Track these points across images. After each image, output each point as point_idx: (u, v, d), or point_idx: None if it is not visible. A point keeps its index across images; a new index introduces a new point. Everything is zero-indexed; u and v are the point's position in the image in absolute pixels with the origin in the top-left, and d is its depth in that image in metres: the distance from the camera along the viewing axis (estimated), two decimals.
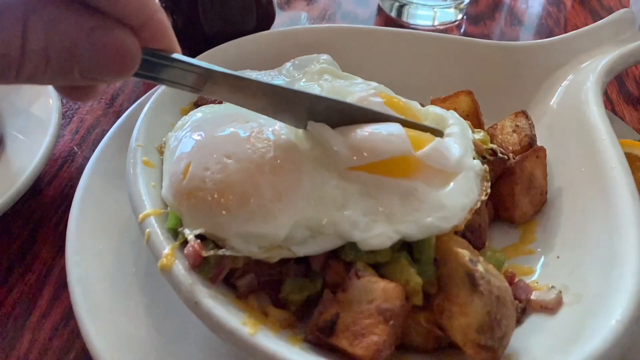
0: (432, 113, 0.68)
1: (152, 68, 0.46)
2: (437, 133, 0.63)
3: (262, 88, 0.53)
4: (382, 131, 0.56)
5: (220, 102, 0.74)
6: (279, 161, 0.55)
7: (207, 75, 0.49)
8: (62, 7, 0.40)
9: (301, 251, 0.53)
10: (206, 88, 0.49)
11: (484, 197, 0.60)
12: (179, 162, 0.57)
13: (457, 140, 0.62)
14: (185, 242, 0.53)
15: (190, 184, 0.55)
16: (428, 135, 0.61)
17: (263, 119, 0.63)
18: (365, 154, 0.55)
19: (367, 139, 0.56)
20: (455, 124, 0.65)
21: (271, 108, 0.55)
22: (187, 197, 0.54)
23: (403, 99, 0.70)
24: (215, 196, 0.53)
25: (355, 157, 0.55)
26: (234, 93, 0.52)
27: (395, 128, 0.57)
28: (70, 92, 0.48)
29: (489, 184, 0.62)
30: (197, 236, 0.53)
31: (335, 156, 0.55)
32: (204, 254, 0.52)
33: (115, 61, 0.42)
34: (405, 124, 0.59)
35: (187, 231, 0.53)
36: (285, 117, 0.56)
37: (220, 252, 0.52)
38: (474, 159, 0.63)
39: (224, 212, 0.52)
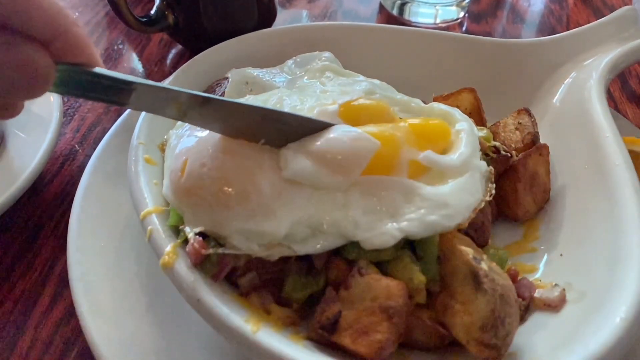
0: (437, 110, 0.67)
1: (71, 83, 0.45)
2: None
3: (186, 98, 0.51)
4: (340, 142, 0.55)
5: None
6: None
7: (130, 89, 0.47)
8: None
9: (302, 249, 0.53)
10: (131, 101, 0.48)
11: (488, 198, 0.60)
12: (178, 159, 0.57)
13: (467, 137, 0.61)
14: (187, 240, 0.53)
15: (188, 182, 0.54)
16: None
17: None
18: (351, 169, 0.54)
19: (339, 155, 0.54)
20: (463, 120, 0.64)
21: (200, 118, 0.53)
22: (187, 194, 0.54)
23: (406, 97, 0.70)
24: (215, 194, 0.52)
25: (344, 178, 0.54)
26: (159, 105, 0.50)
27: (342, 131, 0.56)
28: None
29: (494, 185, 0.62)
30: (199, 234, 0.53)
31: (330, 186, 0.55)
32: (204, 252, 0.52)
33: (25, 77, 0.41)
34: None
35: (187, 229, 0.53)
36: (215, 128, 0.55)
37: (220, 250, 0.52)
38: (480, 159, 0.62)
39: (224, 210, 0.52)
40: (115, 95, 0.47)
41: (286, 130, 0.55)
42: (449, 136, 0.63)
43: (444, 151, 0.62)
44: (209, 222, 0.53)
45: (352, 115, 0.60)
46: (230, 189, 0.52)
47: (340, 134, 0.55)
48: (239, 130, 0.54)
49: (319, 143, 0.55)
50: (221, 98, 0.54)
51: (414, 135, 0.59)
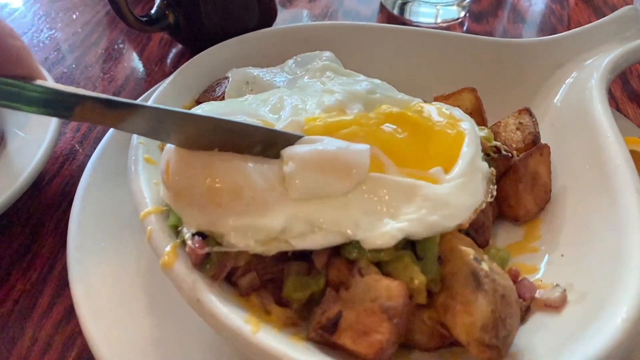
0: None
1: (10, 96, 0.44)
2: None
3: (135, 110, 0.49)
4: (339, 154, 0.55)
5: (223, 98, 0.74)
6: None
7: (73, 102, 0.46)
8: None
9: (299, 244, 0.52)
10: (76, 114, 0.46)
11: (489, 199, 0.60)
12: (162, 160, 0.56)
13: (470, 138, 0.61)
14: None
15: (173, 183, 0.54)
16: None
17: (262, 113, 0.63)
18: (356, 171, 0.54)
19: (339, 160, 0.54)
20: (465, 120, 0.64)
21: (152, 130, 0.52)
22: (177, 196, 0.54)
23: (406, 97, 0.70)
24: (204, 193, 0.52)
25: (350, 182, 0.54)
26: (104, 117, 0.48)
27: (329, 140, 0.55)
28: None
29: (495, 186, 0.61)
30: (200, 234, 0.53)
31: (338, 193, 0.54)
32: (200, 252, 0.51)
33: None
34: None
35: (185, 230, 0.53)
36: (164, 138, 0.54)
37: (216, 248, 0.52)
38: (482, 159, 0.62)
39: (216, 208, 0.52)
40: (58, 107, 0.46)
41: (246, 143, 0.53)
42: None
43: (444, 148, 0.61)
44: (204, 221, 0.52)
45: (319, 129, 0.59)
46: (219, 186, 0.51)
47: (328, 142, 0.55)
48: (193, 140, 0.53)
49: (314, 153, 0.54)
50: (169, 108, 0.52)
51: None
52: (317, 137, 0.57)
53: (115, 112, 0.48)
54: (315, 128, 0.59)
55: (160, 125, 0.52)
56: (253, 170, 0.52)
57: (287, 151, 0.54)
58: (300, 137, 0.57)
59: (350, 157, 0.54)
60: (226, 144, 0.53)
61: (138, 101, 0.50)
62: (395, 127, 0.61)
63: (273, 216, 0.52)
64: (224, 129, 0.53)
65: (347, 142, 0.56)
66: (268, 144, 0.55)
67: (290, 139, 0.56)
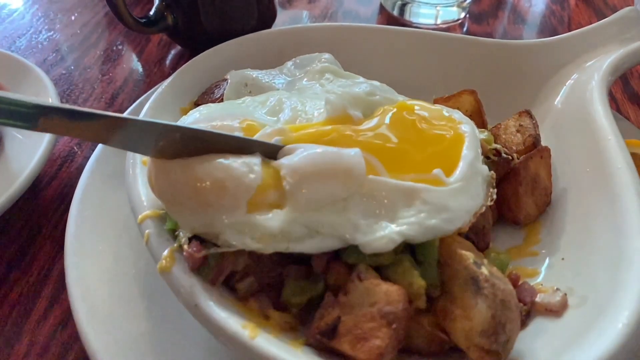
0: None
1: None
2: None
3: (98, 120, 0.48)
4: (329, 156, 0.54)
5: (222, 100, 0.73)
6: None
7: (36, 113, 0.45)
8: None
9: (297, 247, 0.52)
10: (40, 125, 0.45)
11: (489, 203, 0.59)
12: (147, 172, 0.55)
13: (470, 141, 0.61)
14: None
15: (159, 193, 0.53)
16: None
17: (259, 115, 0.63)
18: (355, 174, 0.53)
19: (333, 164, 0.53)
20: (465, 122, 0.64)
21: (121, 141, 0.51)
22: (167, 203, 0.53)
23: (406, 99, 0.69)
24: (191, 196, 0.51)
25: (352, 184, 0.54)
26: (69, 128, 0.47)
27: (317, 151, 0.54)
28: None
29: (495, 190, 0.61)
30: (197, 237, 0.52)
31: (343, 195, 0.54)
32: (197, 255, 0.51)
33: None
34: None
35: (182, 234, 0.53)
36: (137, 149, 0.53)
37: (212, 250, 0.51)
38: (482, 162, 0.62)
39: (207, 207, 0.51)
40: (23, 118, 0.45)
41: (218, 150, 0.53)
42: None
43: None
44: (199, 224, 0.52)
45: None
46: (202, 185, 0.51)
47: (317, 149, 0.54)
48: (163, 150, 0.52)
49: (310, 164, 0.53)
50: (133, 117, 0.51)
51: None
52: (298, 145, 0.55)
53: (79, 124, 0.47)
54: (303, 137, 0.58)
55: (128, 135, 0.50)
56: (231, 162, 0.52)
57: (281, 166, 0.53)
58: (279, 147, 0.55)
59: (346, 160, 0.53)
60: (198, 152, 0.52)
61: (108, 112, 0.49)
62: (389, 131, 0.60)
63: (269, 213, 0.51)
64: (191, 137, 0.52)
65: (335, 147, 0.55)
66: (243, 152, 0.54)
67: (267, 149, 0.55)
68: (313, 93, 0.71)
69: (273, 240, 0.51)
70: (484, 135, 0.67)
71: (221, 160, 0.52)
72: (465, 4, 1.18)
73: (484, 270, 0.51)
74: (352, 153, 0.54)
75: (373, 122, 0.61)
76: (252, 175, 0.51)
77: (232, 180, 0.51)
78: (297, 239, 0.52)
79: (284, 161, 0.53)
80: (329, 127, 0.59)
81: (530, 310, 0.57)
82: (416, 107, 0.66)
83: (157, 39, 1.12)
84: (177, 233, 0.53)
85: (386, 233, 0.52)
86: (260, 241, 0.51)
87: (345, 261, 0.53)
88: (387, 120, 0.62)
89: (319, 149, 0.54)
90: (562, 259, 0.63)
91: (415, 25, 1.16)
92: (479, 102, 0.76)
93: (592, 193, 0.63)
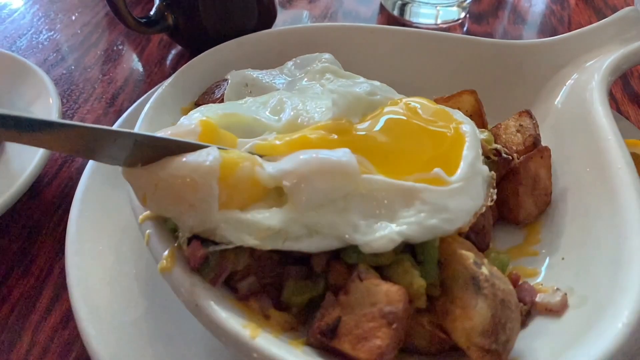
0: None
1: None
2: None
3: (45, 129, 0.45)
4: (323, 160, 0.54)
5: (222, 100, 0.73)
6: None
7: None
8: None
9: (295, 246, 0.52)
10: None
11: (489, 203, 0.59)
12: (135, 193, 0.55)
13: (470, 141, 0.61)
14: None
15: (146, 205, 0.53)
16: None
17: (262, 115, 0.63)
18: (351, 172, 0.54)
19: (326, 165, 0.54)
20: (466, 122, 0.64)
21: (77, 150, 0.50)
22: (164, 213, 0.53)
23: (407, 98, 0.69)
24: (171, 201, 0.51)
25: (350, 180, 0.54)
26: (21, 137, 0.44)
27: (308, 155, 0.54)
28: None
29: (495, 190, 0.61)
30: (197, 237, 0.52)
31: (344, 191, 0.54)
32: (198, 254, 0.51)
33: None
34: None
35: (181, 234, 0.53)
36: (101, 157, 0.52)
37: (211, 248, 0.51)
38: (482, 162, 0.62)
39: (191, 207, 0.50)
40: None
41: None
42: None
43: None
44: (194, 223, 0.51)
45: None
46: (174, 188, 0.50)
47: (309, 152, 0.55)
48: (119, 158, 0.51)
49: (306, 165, 0.53)
50: (81, 124, 0.48)
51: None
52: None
53: (28, 134, 0.44)
54: (293, 142, 0.58)
55: (83, 143, 0.49)
56: (187, 157, 0.51)
57: (276, 170, 0.53)
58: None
59: (337, 159, 0.53)
60: (159, 158, 0.51)
61: (57, 119, 0.47)
62: (389, 131, 0.60)
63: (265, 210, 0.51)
64: (145, 144, 0.51)
65: (324, 149, 0.55)
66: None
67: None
68: (314, 93, 0.71)
69: (270, 237, 0.51)
70: (484, 135, 0.68)
71: (178, 159, 0.51)
72: (465, 4, 1.18)
73: (484, 270, 0.51)
74: (341, 153, 0.54)
75: (373, 122, 0.62)
76: (210, 157, 0.50)
77: (194, 171, 0.50)
78: (296, 238, 0.52)
79: (280, 165, 0.53)
80: (318, 132, 0.60)
81: (530, 310, 0.57)
82: (417, 107, 0.66)
83: (158, 39, 1.12)
84: (177, 233, 0.53)
85: (386, 233, 0.52)
86: (257, 238, 0.51)
87: (345, 261, 0.53)
88: (387, 120, 0.62)
89: (311, 152, 0.54)
90: (562, 258, 0.63)
91: (415, 25, 1.16)
92: (479, 102, 0.76)
93: (592, 193, 0.63)
